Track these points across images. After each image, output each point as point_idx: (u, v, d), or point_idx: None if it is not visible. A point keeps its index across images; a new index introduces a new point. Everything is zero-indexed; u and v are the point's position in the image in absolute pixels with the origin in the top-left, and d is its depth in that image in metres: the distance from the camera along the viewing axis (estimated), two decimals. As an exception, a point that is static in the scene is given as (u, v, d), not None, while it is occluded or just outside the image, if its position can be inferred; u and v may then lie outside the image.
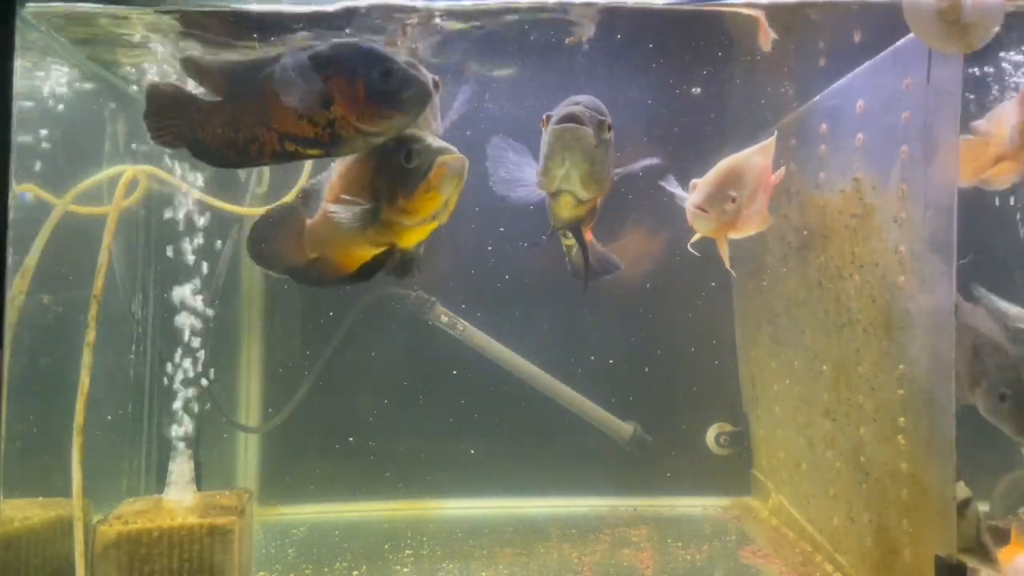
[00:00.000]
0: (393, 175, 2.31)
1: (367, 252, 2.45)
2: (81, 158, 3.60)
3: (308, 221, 2.56)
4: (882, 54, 2.75)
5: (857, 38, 3.04)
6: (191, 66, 2.38)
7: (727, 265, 2.89)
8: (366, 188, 2.37)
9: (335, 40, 2.38)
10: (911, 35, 2.46)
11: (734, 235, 2.86)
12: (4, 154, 2.21)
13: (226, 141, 2.37)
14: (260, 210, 3.28)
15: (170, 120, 2.38)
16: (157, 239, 3.72)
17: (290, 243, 2.58)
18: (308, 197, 2.61)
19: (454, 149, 2.30)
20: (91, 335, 2.70)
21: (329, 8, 2.83)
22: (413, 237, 2.41)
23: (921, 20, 2.26)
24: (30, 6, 2.71)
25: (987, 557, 2.41)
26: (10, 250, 2.27)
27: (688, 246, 2.95)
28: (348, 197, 2.38)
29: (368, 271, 2.46)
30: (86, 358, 2.68)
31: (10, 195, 2.24)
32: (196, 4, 2.81)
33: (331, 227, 2.43)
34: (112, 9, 2.78)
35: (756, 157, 2.79)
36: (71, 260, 3.22)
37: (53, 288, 3.35)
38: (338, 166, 2.54)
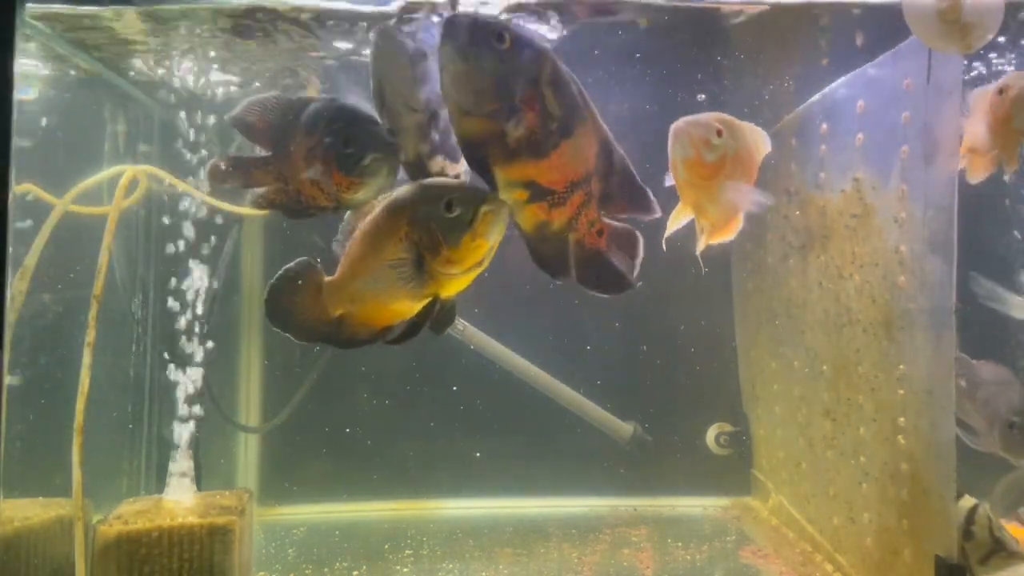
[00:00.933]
0: (433, 226, 2.21)
1: (404, 306, 2.35)
2: (81, 158, 3.60)
3: (327, 279, 2.45)
4: (882, 55, 2.75)
5: (858, 39, 3.04)
6: (239, 125, 2.43)
7: (700, 246, 2.57)
8: (402, 240, 2.27)
9: (330, 101, 2.40)
10: (911, 35, 2.46)
11: (715, 217, 2.50)
12: (4, 154, 2.21)
13: (284, 195, 2.44)
14: (261, 212, 3.30)
15: (238, 185, 2.48)
16: (157, 239, 3.72)
17: (309, 301, 2.47)
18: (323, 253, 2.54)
19: (489, 190, 2.22)
20: (91, 335, 2.70)
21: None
22: (457, 286, 2.31)
23: (921, 20, 2.26)
24: (31, 7, 2.71)
25: (1009, 548, 2.43)
26: (10, 249, 2.27)
27: (668, 221, 2.59)
28: (387, 256, 2.30)
29: (414, 328, 2.34)
30: (86, 358, 2.68)
31: (10, 195, 2.24)
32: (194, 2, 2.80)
33: (363, 283, 2.35)
34: (110, 10, 2.78)
35: (755, 132, 2.54)
36: (71, 260, 3.22)
37: (53, 288, 3.36)
38: (354, 220, 2.46)
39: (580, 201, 2.35)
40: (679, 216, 2.49)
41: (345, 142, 2.32)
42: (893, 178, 2.67)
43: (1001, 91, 2.70)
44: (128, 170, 2.98)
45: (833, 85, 3.18)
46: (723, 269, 4.36)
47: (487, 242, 2.20)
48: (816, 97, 3.32)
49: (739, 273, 4.30)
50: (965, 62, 3.17)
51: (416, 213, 2.26)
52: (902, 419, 2.63)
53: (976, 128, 2.76)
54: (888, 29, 2.58)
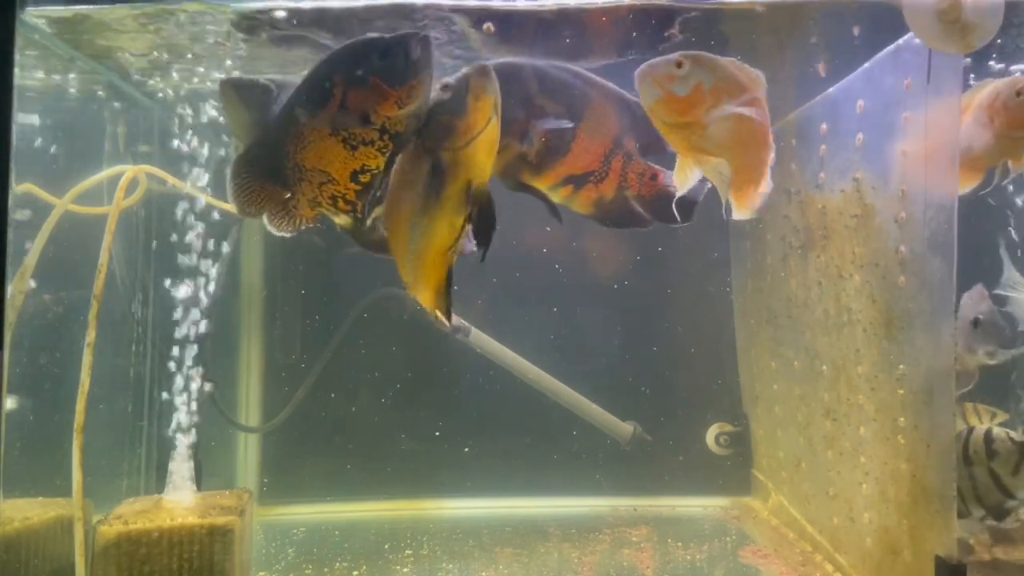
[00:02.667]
0: (438, 117, 2.28)
1: (447, 228, 2.35)
2: (81, 158, 3.60)
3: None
4: (882, 54, 2.75)
5: (857, 37, 3.04)
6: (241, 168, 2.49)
7: (726, 200, 2.37)
8: (416, 159, 2.34)
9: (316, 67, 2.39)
10: (911, 35, 2.46)
11: (723, 162, 2.31)
12: (4, 154, 2.21)
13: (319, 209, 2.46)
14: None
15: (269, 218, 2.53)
16: (158, 239, 3.72)
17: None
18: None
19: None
20: (91, 335, 2.70)
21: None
22: (482, 163, 2.31)
23: (921, 20, 2.26)
24: (31, 9, 2.71)
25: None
26: (10, 250, 2.27)
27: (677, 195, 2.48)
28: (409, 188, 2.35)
29: (483, 223, 2.33)
30: (86, 358, 2.68)
31: (10, 195, 2.24)
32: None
33: (409, 243, 2.38)
34: (108, 9, 2.77)
35: (740, 66, 2.35)
36: (71, 260, 3.22)
37: (53, 288, 3.36)
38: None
39: (620, 164, 2.46)
40: (684, 169, 2.36)
41: (382, 54, 2.27)
42: (893, 178, 2.67)
43: (1020, 93, 2.69)
44: (128, 170, 2.98)
45: (833, 86, 3.18)
46: (723, 269, 4.36)
47: (489, 96, 2.24)
48: (816, 98, 3.32)
49: (739, 273, 4.30)
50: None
51: (422, 125, 2.31)
52: (902, 419, 2.63)
53: (969, 132, 2.76)
54: (888, 28, 2.58)
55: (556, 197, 2.52)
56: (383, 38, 2.29)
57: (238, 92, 2.67)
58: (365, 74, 2.28)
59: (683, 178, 2.36)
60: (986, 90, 2.79)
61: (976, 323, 3.17)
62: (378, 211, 2.50)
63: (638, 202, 2.52)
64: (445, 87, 2.29)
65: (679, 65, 2.21)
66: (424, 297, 2.47)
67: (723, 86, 2.26)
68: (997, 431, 2.79)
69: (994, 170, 2.87)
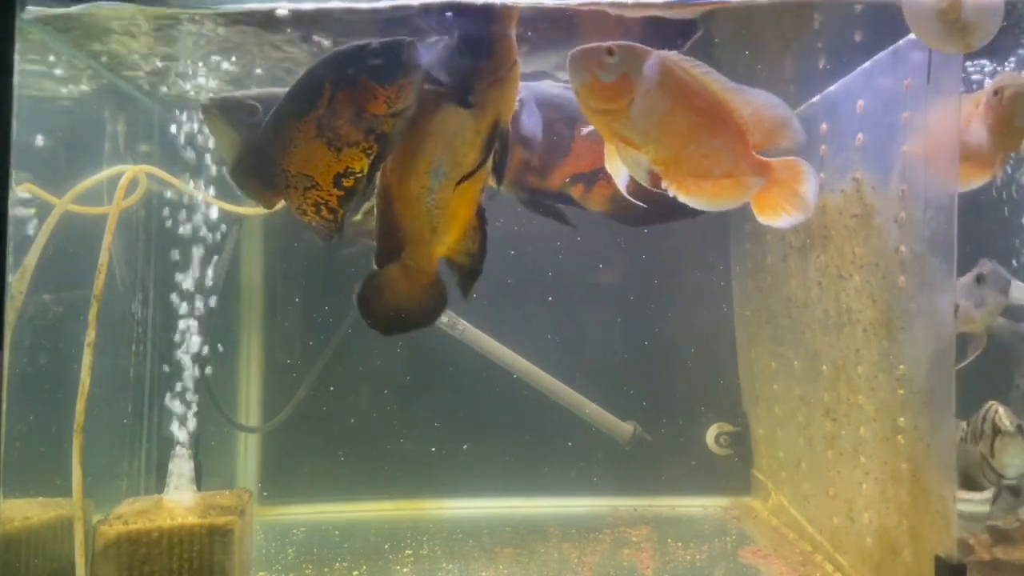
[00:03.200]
0: (463, 62, 2.37)
1: (477, 169, 2.45)
2: (81, 158, 3.60)
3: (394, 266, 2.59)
4: (882, 54, 2.75)
5: (857, 37, 3.04)
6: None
7: (613, 174, 2.37)
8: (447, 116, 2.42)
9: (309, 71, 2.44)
10: (911, 35, 2.46)
11: (638, 143, 2.28)
12: (4, 154, 2.21)
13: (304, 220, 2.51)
14: (261, 211, 3.30)
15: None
16: (157, 238, 3.72)
17: (401, 288, 2.63)
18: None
19: None
20: (91, 335, 2.70)
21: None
22: (510, 100, 2.45)
23: (921, 20, 2.26)
24: (30, 8, 2.70)
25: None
26: (10, 250, 2.27)
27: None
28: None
29: (500, 158, 2.45)
30: (86, 358, 2.68)
31: (10, 195, 2.24)
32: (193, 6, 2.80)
33: (426, 197, 2.47)
34: (107, 7, 2.77)
35: (680, 58, 2.30)
36: (71, 260, 3.22)
37: (53, 288, 3.35)
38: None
39: None
40: (612, 157, 2.36)
41: (373, 55, 2.32)
42: (893, 178, 2.67)
43: (996, 92, 2.70)
44: (128, 170, 2.98)
45: (833, 86, 3.18)
46: (723, 269, 4.36)
47: (511, 38, 2.37)
48: (816, 97, 3.32)
49: (739, 273, 4.30)
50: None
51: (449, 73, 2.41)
52: (902, 419, 2.63)
53: (969, 136, 2.76)
54: (888, 27, 2.58)
55: (574, 192, 2.53)
56: (373, 41, 2.35)
57: (223, 114, 2.69)
58: (356, 73, 2.33)
59: (611, 166, 2.38)
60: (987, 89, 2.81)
61: (980, 278, 3.23)
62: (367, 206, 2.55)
63: (646, 198, 2.49)
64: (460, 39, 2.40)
65: (610, 53, 2.23)
66: (439, 249, 2.56)
67: (657, 79, 2.27)
68: (1002, 410, 2.89)
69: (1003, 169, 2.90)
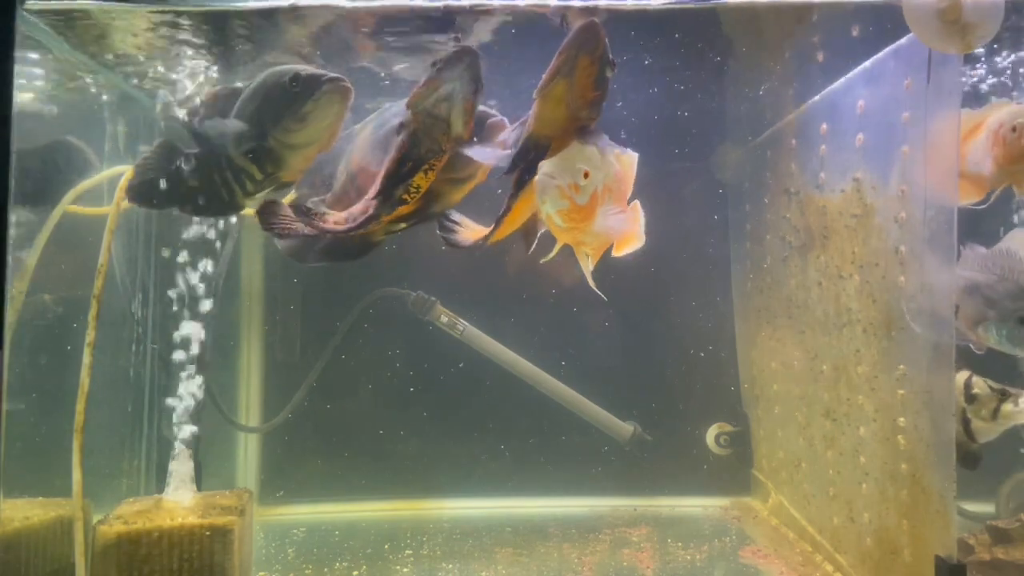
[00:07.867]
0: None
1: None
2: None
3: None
4: (882, 54, 2.75)
5: (856, 36, 3.04)
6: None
7: (591, 283, 2.49)
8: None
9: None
10: (911, 35, 2.46)
11: (590, 244, 2.43)
12: (4, 154, 2.21)
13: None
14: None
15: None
16: (157, 239, 3.72)
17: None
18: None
19: None
20: (91, 335, 2.70)
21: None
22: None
23: (921, 20, 2.26)
24: (30, 4, 2.70)
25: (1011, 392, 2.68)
26: (10, 249, 2.27)
27: (541, 261, 2.56)
28: None
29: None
30: (86, 358, 2.68)
31: (10, 195, 2.24)
32: (194, 4, 2.80)
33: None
34: (108, 5, 2.77)
35: (622, 156, 2.42)
36: (71, 260, 3.22)
37: (53, 288, 3.35)
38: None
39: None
40: (559, 245, 2.44)
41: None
42: (893, 178, 2.67)
43: (1015, 129, 2.69)
44: (128, 170, 2.97)
45: (833, 85, 3.18)
46: (723, 269, 4.36)
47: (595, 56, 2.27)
48: (816, 97, 3.32)
49: (739, 273, 4.30)
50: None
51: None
52: (902, 419, 2.63)
53: (972, 160, 2.76)
54: (888, 27, 2.58)
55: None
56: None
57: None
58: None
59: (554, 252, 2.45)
60: (995, 115, 2.79)
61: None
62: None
63: None
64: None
65: (586, 175, 2.22)
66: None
67: (612, 183, 2.33)
68: (976, 379, 2.79)
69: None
